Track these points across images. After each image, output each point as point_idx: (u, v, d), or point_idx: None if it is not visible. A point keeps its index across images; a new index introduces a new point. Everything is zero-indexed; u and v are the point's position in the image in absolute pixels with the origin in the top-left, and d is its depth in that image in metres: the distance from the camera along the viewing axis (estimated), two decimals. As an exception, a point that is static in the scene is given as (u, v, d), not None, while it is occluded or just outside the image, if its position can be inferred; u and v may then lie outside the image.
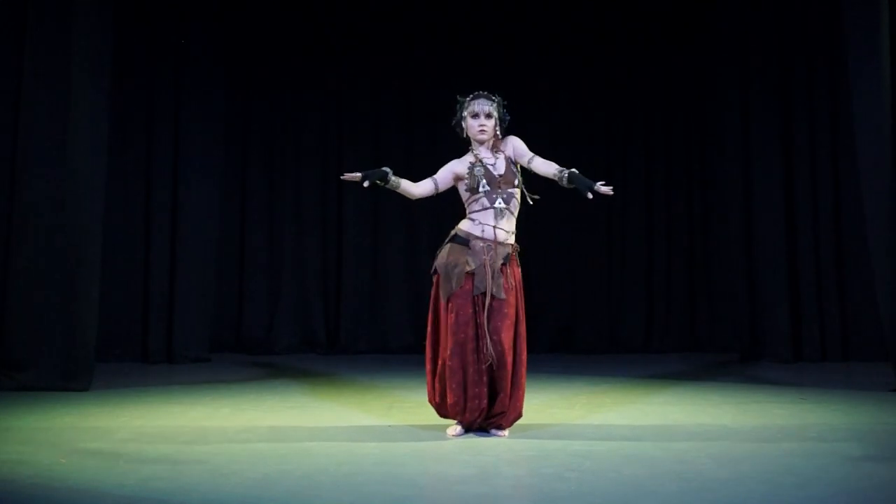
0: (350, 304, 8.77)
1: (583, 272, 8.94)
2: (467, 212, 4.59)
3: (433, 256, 4.62)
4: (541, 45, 8.93)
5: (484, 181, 4.50)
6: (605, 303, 8.93)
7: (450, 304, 4.43)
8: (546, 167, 4.55)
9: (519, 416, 4.52)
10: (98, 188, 6.08)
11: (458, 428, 4.45)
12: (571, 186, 4.49)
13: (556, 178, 4.52)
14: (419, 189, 4.65)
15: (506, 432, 4.46)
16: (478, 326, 4.38)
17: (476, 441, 4.34)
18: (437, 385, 4.54)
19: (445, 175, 4.64)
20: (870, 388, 6.11)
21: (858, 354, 7.73)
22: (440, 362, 4.49)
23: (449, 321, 4.42)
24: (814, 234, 7.93)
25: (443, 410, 4.55)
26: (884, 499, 3.30)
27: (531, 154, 4.60)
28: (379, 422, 4.89)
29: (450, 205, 8.42)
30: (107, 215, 6.40)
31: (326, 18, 8.87)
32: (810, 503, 3.24)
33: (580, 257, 8.95)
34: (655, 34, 8.99)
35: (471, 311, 4.40)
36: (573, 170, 4.51)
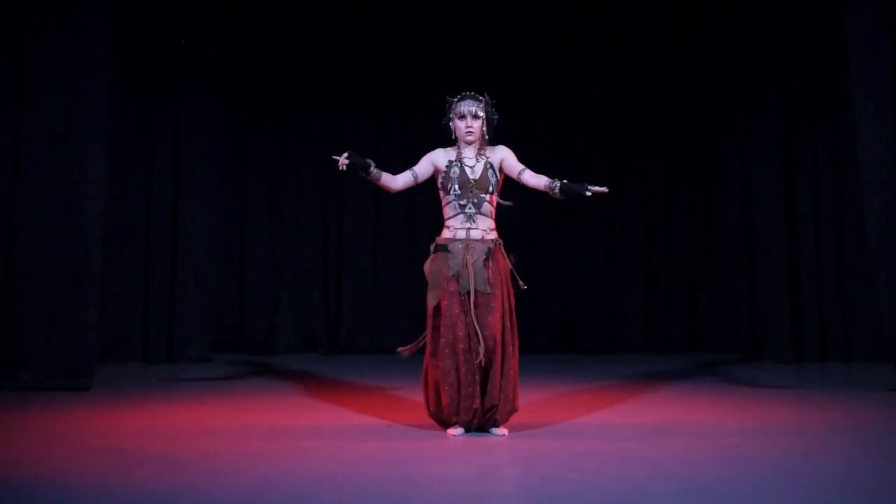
0: (350, 304, 8.77)
1: (583, 272, 8.94)
2: (443, 217, 4.62)
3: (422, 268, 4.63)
4: (541, 49, 8.94)
5: (456, 185, 4.53)
6: (606, 303, 8.94)
7: (438, 309, 4.45)
8: (536, 180, 4.55)
9: (513, 409, 4.50)
10: (99, 189, 6.08)
11: (459, 428, 4.46)
12: (564, 198, 4.53)
13: (547, 191, 4.53)
14: (398, 182, 4.66)
15: (506, 431, 4.46)
16: (467, 326, 4.38)
17: (476, 441, 4.34)
18: (430, 393, 4.57)
19: (425, 166, 4.65)
20: (870, 388, 6.11)
21: (858, 354, 7.74)
22: (433, 365, 4.50)
23: (438, 324, 4.45)
24: (814, 234, 7.94)
25: (440, 416, 4.56)
26: (883, 499, 3.30)
27: (521, 167, 4.60)
28: (379, 422, 4.89)
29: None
30: (107, 215, 6.40)
31: (327, 20, 8.86)
32: (810, 503, 3.25)
33: (581, 257, 8.96)
34: (655, 37, 9.00)
35: (458, 310, 4.40)
36: (564, 181, 4.51)
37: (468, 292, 4.41)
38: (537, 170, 4.65)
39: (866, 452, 4.06)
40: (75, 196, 5.98)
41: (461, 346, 4.36)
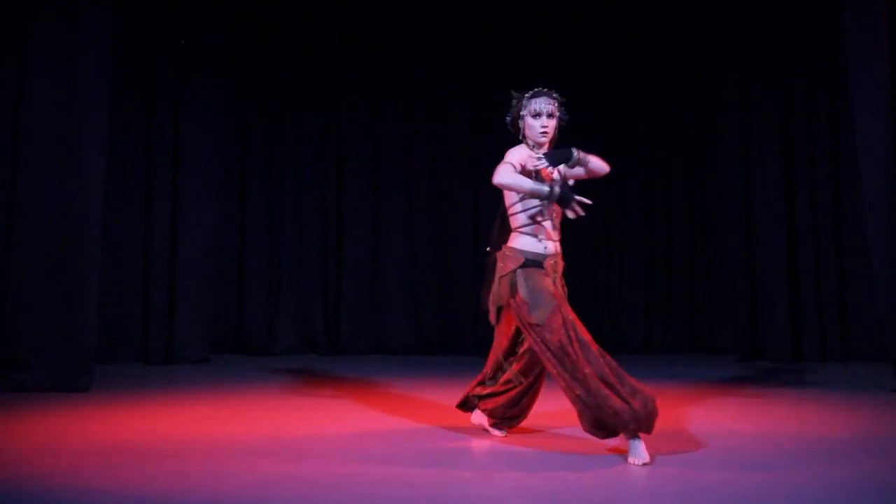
0: (350, 305, 8.78)
1: (582, 272, 8.94)
2: (520, 223, 4.16)
3: (492, 283, 4.19)
4: (544, 54, 8.93)
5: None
6: (606, 303, 8.94)
7: (555, 320, 4.01)
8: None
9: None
10: (98, 189, 6.08)
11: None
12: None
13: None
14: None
15: (504, 432, 4.46)
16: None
17: (476, 442, 4.34)
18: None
19: (517, 165, 4.07)
20: (870, 388, 6.11)
21: (858, 354, 7.74)
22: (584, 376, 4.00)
23: (567, 338, 4.02)
24: (813, 234, 7.94)
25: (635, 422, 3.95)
26: (884, 500, 3.30)
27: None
28: (379, 422, 4.89)
29: (449, 207, 8.36)
30: (107, 216, 6.40)
31: (327, 22, 8.86)
32: (810, 503, 3.24)
33: (580, 258, 8.95)
34: (656, 40, 9.00)
35: (573, 315, 4.06)
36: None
37: None
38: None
39: (866, 453, 4.06)
40: (74, 197, 5.98)
41: (594, 348, 4.01)
